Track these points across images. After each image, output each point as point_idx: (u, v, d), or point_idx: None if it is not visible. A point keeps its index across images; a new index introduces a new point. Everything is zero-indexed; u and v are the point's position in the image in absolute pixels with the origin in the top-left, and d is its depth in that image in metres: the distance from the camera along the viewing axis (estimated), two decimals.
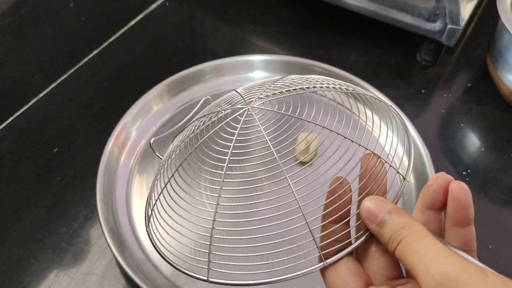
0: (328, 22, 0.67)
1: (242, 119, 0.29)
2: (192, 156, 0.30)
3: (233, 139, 0.28)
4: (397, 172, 0.28)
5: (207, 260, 0.28)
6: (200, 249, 0.28)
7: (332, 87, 0.30)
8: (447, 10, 0.55)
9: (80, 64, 0.62)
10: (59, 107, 0.57)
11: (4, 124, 0.55)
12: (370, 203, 0.25)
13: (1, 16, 0.51)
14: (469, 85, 0.60)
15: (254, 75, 0.58)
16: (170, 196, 0.30)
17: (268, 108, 0.29)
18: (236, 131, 0.28)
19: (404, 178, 0.28)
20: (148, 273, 0.42)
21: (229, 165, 0.27)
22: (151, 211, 0.31)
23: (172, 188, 0.30)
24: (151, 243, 0.31)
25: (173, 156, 0.31)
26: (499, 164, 0.52)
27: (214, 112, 0.31)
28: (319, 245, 0.26)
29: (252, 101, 0.30)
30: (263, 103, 0.30)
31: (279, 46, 0.65)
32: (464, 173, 0.52)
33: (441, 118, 0.57)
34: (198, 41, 0.67)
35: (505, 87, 0.54)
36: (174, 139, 0.33)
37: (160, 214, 0.31)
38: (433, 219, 0.26)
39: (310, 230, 0.26)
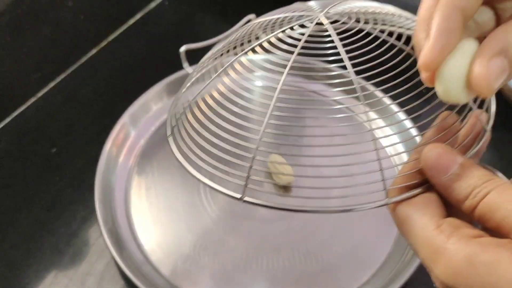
0: None
1: (312, 24, 0.24)
2: (243, 58, 0.25)
3: (299, 42, 0.23)
4: (478, 120, 0.25)
5: (246, 175, 0.23)
6: (240, 162, 0.23)
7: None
8: None
9: (78, 63, 0.61)
10: (57, 107, 0.57)
11: (2, 124, 0.55)
12: (436, 153, 0.22)
13: None
14: None
15: (254, 75, 0.58)
16: (208, 101, 0.26)
17: (344, 20, 0.24)
18: (304, 37, 0.23)
19: (485, 130, 0.25)
20: (147, 274, 0.42)
21: (290, 71, 0.23)
22: (180, 114, 0.26)
23: (210, 95, 0.26)
24: (173, 155, 0.26)
25: (214, 63, 0.26)
26: (500, 164, 0.52)
27: (273, 19, 0.26)
28: (387, 179, 0.22)
29: (324, 11, 0.25)
30: (336, 13, 0.25)
31: None
32: None
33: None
34: (198, 41, 0.67)
35: (506, 86, 0.54)
36: (212, 48, 0.28)
37: (190, 121, 0.26)
38: None
39: (379, 160, 0.22)
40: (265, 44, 0.25)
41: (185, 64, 0.30)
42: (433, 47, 0.21)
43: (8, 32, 0.52)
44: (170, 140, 0.26)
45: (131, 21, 0.67)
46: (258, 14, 0.71)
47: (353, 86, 0.23)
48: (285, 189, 0.45)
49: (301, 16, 0.25)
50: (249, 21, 0.30)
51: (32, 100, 0.57)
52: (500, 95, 0.56)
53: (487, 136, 0.25)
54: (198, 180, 0.24)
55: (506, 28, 0.20)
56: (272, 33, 0.25)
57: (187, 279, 0.43)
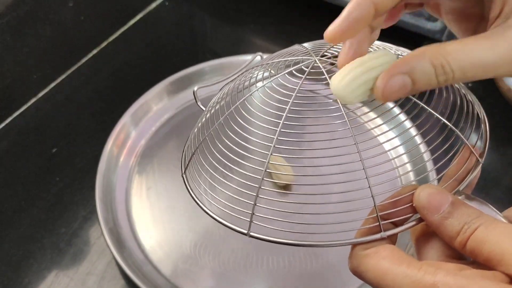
0: (329, 22, 0.67)
1: (308, 70, 0.26)
2: (246, 101, 0.27)
3: (296, 86, 0.25)
4: (472, 152, 0.26)
5: (251, 212, 0.25)
6: (244, 200, 0.25)
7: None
8: None
9: (79, 64, 0.61)
10: (58, 107, 0.57)
11: (3, 124, 0.55)
12: (429, 193, 0.23)
13: (0, 16, 0.51)
14: (469, 84, 0.60)
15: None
16: (216, 141, 0.27)
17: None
18: (300, 81, 0.25)
19: (478, 160, 0.26)
20: (148, 274, 0.42)
21: (288, 114, 0.25)
22: (192, 153, 0.28)
23: (220, 132, 0.27)
24: (187, 190, 0.28)
25: (222, 103, 0.28)
26: (500, 164, 0.52)
27: (271, 63, 0.28)
28: (377, 204, 0.24)
29: (319, 53, 0.27)
30: (331, 57, 0.27)
31: (279, 45, 0.65)
32: None
33: (437, 124, 0.57)
34: (198, 41, 0.67)
35: (505, 86, 0.54)
36: (221, 89, 0.31)
37: (201, 159, 0.28)
38: None
39: (372, 196, 0.24)
40: (267, 86, 0.27)
41: (199, 102, 0.32)
42: (338, 23, 0.24)
43: (9, 32, 0.52)
44: (184, 177, 0.28)
45: (132, 22, 0.67)
46: (257, 16, 0.71)
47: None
48: (285, 188, 0.45)
49: (299, 60, 0.27)
50: (258, 55, 0.32)
51: (33, 100, 0.57)
52: (500, 95, 0.57)
53: (479, 168, 0.26)
54: (211, 216, 0.27)
55: (422, 52, 0.22)
56: (273, 75, 0.27)
57: (188, 278, 0.43)
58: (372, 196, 0.24)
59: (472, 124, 0.27)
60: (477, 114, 0.28)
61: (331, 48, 0.28)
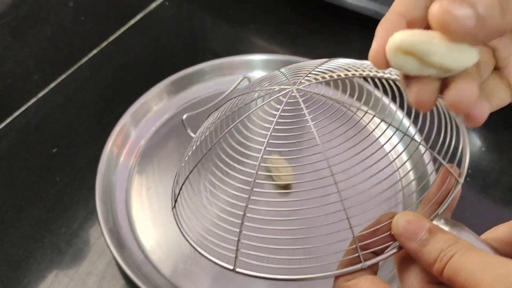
0: (329, 22, 0.67)
1: (285, 100, 0.26)
2: (228, 135, 0.27)
3: (274, 118, 0.26)
4: (451, 173, 0.26)
5: (235, 248, 0.26)
6: (229, 236, 0.26)
7: (382, 76, 0.28)
8: None
9: (79, 63, 0.61)
10: (58, 107, 0.57)
11: (3, 124, 0.55)
12: (406, 220, 0.24)
13: (0, 16, 0.51)
14: None
15: (254, 74, 0.58)
16: (201, 177, 0.28)
17: (315, 91, 0.26)
18: (278, 113, 0.26)
19: (457, 180, 0.26)
20: (148, 274, 0.42)
21: (267, 148, 0.25)
22: (180, 190, 0.29)
23: (204, 168, 0.28)
24: (177, 226, 0.29)
25: (206, 133, 0.29)
26: (500, 164, 0.52)
27: (253, 92, 0.29)
28: (356, 235, 0.24)
29: (297, 82, 0.27)
30: (309, 85, 0.27)
31: (279, 45, 0.65)
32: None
33: (441, 118, 0.57)
34: (198, 41, 0.67)
35: None
36: (208, 116, 0.31)
37: (188, 195, 0.29)
38: None
39: (351, 228, 0.24)
40: (247, 120, 0.28)
41: (188, 130, 0.32)
42: (376, 42, 0.23)
43: (9, 32, 0.52)
44: (174, 212, 0.29)
45: (132, 22, 0.67)
46: (257, 16, 0.71)
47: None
48: (285, 188, 0.45)
49: (279, 89, 0.27)
50: (244, 78, 0.33)
51: (33, 100, 0.58)
52: None
53: (459, 189, 0.26)
54: (198, 252, 0.27)
55: None
56: (250, 109, 0.28)
57: (188, 278, 0.43)
58: (350, 227, 0.24)
59: (450, 143, 0.27)
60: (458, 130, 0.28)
61: (308, 75, 0.28)
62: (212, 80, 0.57)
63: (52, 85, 0.59)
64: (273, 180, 0.41)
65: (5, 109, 0.55)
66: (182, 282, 0.43)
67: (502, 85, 0.26)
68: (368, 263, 0.24)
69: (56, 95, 0.58)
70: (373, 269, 0.25)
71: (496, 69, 0.25)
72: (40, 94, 0.58)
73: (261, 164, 0.25)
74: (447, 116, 0.28)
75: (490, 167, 0.52)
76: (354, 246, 0.25)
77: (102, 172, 0.47)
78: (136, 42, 0.65)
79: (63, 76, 0.60)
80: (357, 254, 0.24)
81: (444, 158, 0.26)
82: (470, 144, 0.55)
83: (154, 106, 0.54)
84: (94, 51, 0.63)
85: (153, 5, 0.69)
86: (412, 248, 0.23)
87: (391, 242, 0.25)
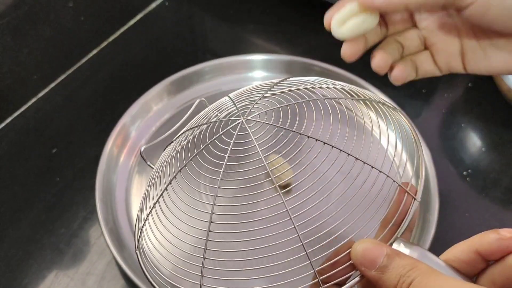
0: None
1: (235, 133, 0.27)
2: (186, 168, 0.28)
3: (226, 153, 0.26)
4: (407, 192, 0.26)
5: (200, 274, 0.27)
6: (193, 263, 0.27)
7: (333, 87, 0.29)
8: None
9: (79, 64, 0.61)
10: (58, 107, 0.57)
11: (2, 125, 0.55)
12: (364, 248, 0.24)
13: (0, 16, 0.51)
14: (469, 85, 0.60)
15: (254, 74, 0.58)
16: (162, 212, 0.29)
17: (264, 121, 0.27)
18: (229, 147, 0.26)
19: (414, 199, 0.26)
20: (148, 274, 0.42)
21: (223, 178, 0.26)
22: (140, 232, 0.30)
23: (165, 203, 0.29)
24: (140, 268, 0.30)
25: (164, 167, 0.30)
26: (500, 164, 0.52)
27: (205, 124, 0.29)
28: (317, 269, 0.25)
29: (246, 111, 0.28)
30: (258, 114, 0.27)
31: (279, 45, 0.65)
32: (464, 173, 0.51)
33: (441, 118, 0.57)
34: (198, 41, 0.67)
35: (505, 86, 0.54)
36: (165, 148, 0.32)
37: (151, 231, 0.29)
38: (473, 263, 0.24)
39: (306, 253, 0.24)
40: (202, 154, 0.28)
41: (148, 162, 0.33)
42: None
43: (9, 33, 0.52)
44: (137, 254, 0.30)
45: (132, 22, 0.67)
46: (257, 16, 0.71)
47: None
48: (285, 188, 0.45)
49: (229, 120, 0.28)
50: (201, 101, 0.33)
51: (33, 100, 0.57)
52: (500, 95, 0.57)
53: (416, 207, 0.26)
54: None
55: None
56: (203, 142, 0.28)
57: (188, 278, 0.43)
58: (310, 262, 0.24)
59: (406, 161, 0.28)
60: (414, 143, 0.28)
61: (257, 103, 0.29)
62: (212, 80, 0.57)
63: (52, 85, 0.59)
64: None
65: (5, 109, 0.55)
66: (182, 282, 0.43)
67: (431, 61, 0.33)
68: None
69: (56, 95, 0.58)
70: None
71: (426, 48, 0.34)
72: (40, 95, 0.58)
73: (218, 196, 0.26)
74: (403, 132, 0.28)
75: (490, 167, 0.52)
76: (316, 280, 0.25)
77: (102, 172, 0.47)
78: (136, 42, 0.65)
79: (62, 76, 0.60)
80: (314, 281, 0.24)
81: (400, 177, 0.26)
82: (471, 144, 0.55)
83: (154, 106, 0.54)
84: (94, 51, 0.63)
85: (153, 5, 0.69)
86: (372, 276, 0.23)
87: (352, 272, 0.25)
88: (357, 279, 0.24)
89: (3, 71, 0.53)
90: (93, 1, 0.60)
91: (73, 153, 0.53)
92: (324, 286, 0.24)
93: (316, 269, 0.24)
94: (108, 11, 0.63)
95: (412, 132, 0.28)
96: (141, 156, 0.34)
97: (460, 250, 0.25)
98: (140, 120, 0.53)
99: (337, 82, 0.30)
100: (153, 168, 0.32)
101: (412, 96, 0.59)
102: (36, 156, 0.52)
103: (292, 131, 0.26)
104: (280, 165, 0.27)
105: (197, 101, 0.35)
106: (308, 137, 0.25)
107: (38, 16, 0.55)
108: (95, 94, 0.59)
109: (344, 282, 0.25)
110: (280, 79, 0.31)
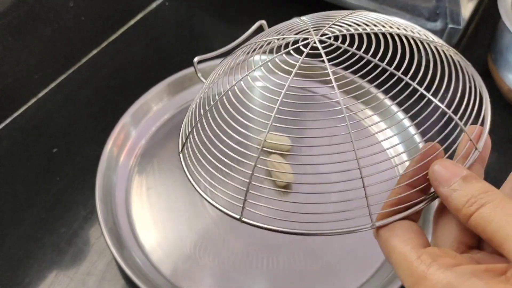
0: None
1: (306, 50, 0.25)
2: (242, 82, 0.27)
3: (292, 71, 0.25)
4: (470, 140, 0.25)
5: (243, 198, 0.25)
6: (238, 186, 0.25)
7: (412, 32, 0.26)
8: (448, 9, 0.55)
9: (79, 63, 0.61)
10: (58, 107, 0.57)
11: (3, 124, 0.55)
12: (441, 166, 0.23)
13: (0, 16, 0.51)
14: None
15: (253, 74, 0.58)
16: (212, 123, 0.27)
17: (338, 43, 0.25)
18: (298, 63, 0.25)
19: (476, 148, 0.25)
20: (148, 274, 0.42)
21: (283, 99, 0.24)
22: (189, 133, 0.28)
23: (215, 114, 0.27)
24: (183, 171, 0.28)
25: (219, 80, 0.28)
26: (500, 164, 0.52)
27: (270, 39, 0.28)
28: (371, 205, 0.24)
29: (319, 32, 0.26)
30: (332, 36, 0.26)
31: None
32: None
33: (442, 118, 0.56)
34: (198, 41, 0.67)
35: (506, 86, 0.54)
36: (221, 62, 0.30)
37: (197, 140, 0.27)
38: None
39: (364, 187, 0.24)
40: (266, 66, 0.27)
41: (199, 74, 0.32)
42: None
43: (10, 32, 0.52)
44: (181, 156, 0.28)
45: (132, 22, 0.67)
46: (257, 16, 0.71)
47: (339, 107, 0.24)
48: (285, 188, 0.45)
49: (298, 40, 0.26)
50: (260, 26, 0.32)
51: (33, 100, 0.58)
52: (500, 95, 0.57)
53: (478, 154, 0.26)
54: (205, 199, 0.27)
55: None
56: (272, 55, 0.26)
57: (188, 278, 0.43)
58: (364, 187, 0.24)
59: (473, 111, 0.27)
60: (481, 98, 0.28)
61: (332, 26, 0.27)
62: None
63: (52, 85, 0.59)
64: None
65: (5, 109, 0.55)
66: (182, 282, 0.43)
67: None
68: (378, 223, 0.24)
69: (56, 95, 0.58)
70: (418, 211, 0.25)
71: None
72: (40, 94, 0.58)
73: (276, 116, 0.24)
74: (471, 83, 0.28)
75: (490, 167, 0.52)
76: (391, 197, 0.25)
77: (102, 172, 0.47)
78: (136, 42, 0.65)
79: (63, 76, 0.60)
80: (377, 213, 0.24)
81: (465, 124, 0.26)
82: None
83: (154, 106, 0.54)
84: (95, 51, 0.63)
85: (153, 5, 0.69)
86: (444, 193, 0.23)
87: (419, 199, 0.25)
88: (420, 205, 0.24)
89: (3, 70, 0.53)
90: (94, 1, 0.60)
91: (73, 152, 0.53)
92: (373, 213, 0.24)
93: (369, 195, 0.24)
94: (108, 11, 0.63)
95: (469, 74, 0.28)
96: (194, 67, 0.32)
97: (510, 187, 0.25)
98: (140, 120, 0.53)
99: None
100: (203, 82, 0.30)
101: (412, 95, 0.58)
102: (36, 156, 0.52)
103: (373, 60, 0.25)
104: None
105: (257, 23, 0.34)
106: (390, 70, 0.24)
107: (38, 16, 0.55)
108: (95, 93, 0.59)
109: (411, 206, 0.25)
110: (354, 11, 0.29)
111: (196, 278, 0.43)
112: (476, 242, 0.24)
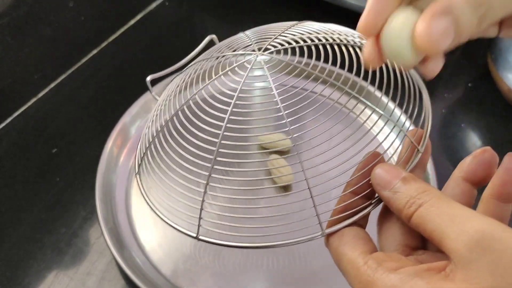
0: (328, 22, 0.67)
1: (250, 66, 0.26)
2: (191, 102, 0.27)
3: (236, 91, 0.25)
4: (412, 142, 0.26)
5: (198, 216, 0.26)
6: (192, 205, 0.26)
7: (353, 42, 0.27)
8: None
9: (79, 63, 0.61)
10: (58, 107, 0.57)
11: (3, 124, 0.55)
12: (382, 170, 0.24)
13: (0, 16, 0.51)
14: (469, 85, 0.60)
15: (254, 74, 0.58)
16: (164, 143, 0.28)
17: (280, 57, 0.26)
18: (242, 80, 0.26)
19: (418, 150, 0.26)
20: (148, 274, 0.42)
21: (230, 117, 0.25)
22: (143, 154, 0.29)
23: (167, 134, 0.28)
24: (140, 192, 0.29)
25: (170, 99, 0.29)
26: (499, 163, 0.52)
27: (217, 57, 0.29)
28: (320, 214, 0.25)
29: (262, 47, 0.27)
30: (275, 51, 0.27)
31: None
32: None
33: (441, 118, 0.57)
34: (198, 41, 0.67)
35: (506, 87, 0.54)
36: (172, 80, 0.31)
37: (151, 162, 0.28)
38: (466, 193, 0.25)
39: (312, 197, 0.25)
40: (213, 84, 0.28)
41: (153, 93, 0.32)
42: (369, 11, 0.22)
43: (9, 32, 0.52)
44: (137, 178, 0.29)
45: (132, 22, 0.67)
46: (257, 16, 0.71)
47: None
48: (285, 188, 0.45)
49: (244, 54, 0.27)
50: (211, 40, 0.33)
51: (33, 100, 0.58)
52: (500, 95, 0.57)
53: (420, 157, 0.26)
54: (161, 218, 0.28)
55: None
56: (219, 73, 0.28)
57: (188, 279, 0.43)
58: (311, 197, 0.24)
59: (413, 112, 0.28)
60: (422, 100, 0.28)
61: (274, 40, 0.28)
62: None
63: (52, 85, 0.59)
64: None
65: (5, 109, 0.55)
66: (182, 282, 0.43)
67: None
68: (327, 231, 0.25)
69: (56, 95, 0.58)
70: (362, 223, 0.26)
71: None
72: (40, 94, 0.58)
73: (224, 133, 0.25)
74: (410, 86, 0.28)
75: None
76: (336, 207, 0.25)
77: (102, 172, 0.47)
78: (136, 42, 0.65)
79: (63, 76, 0.60)
80: (317, 223, 0.25)
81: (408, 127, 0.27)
82: (471, 144, 0.55)
83: (154, 106, 0.54)
84: (94, 51, 0.63)
85: (153, 5, 0.69)
86: (386, 196, 0.24)
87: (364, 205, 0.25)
88: (366, 210, 0.25)
89: (3, 70, 0.53)
90: (93, 1, 0.60)
91: (73, 153, 0.53)
92: (323, 221, 0.25)
93: (317, 204, 0.25)
94: (108, 11, 0.63)
95: (412, 80, 0.28)
96: (147, 85, 0.33)
97: (451, 187, 0.26)
98: (140, 120, 0.53)
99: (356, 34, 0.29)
100: (157, 100, 0.31)
101: (412, 95, 0.58)
102: (36, 156, 0.52)
103: (312, 71, 0.25)
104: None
105: (208, 37, 0.34)
106: (331, 80, 0.25)
107: (38, 16, 0.55)
108: (95, 94, 0.59)
109: (359, 211, 0.25)
110: (298, 21, 0.30)
111: (196, 278, 0.43)
112: (420, 243, 0.25)
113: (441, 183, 0.46)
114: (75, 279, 0.44)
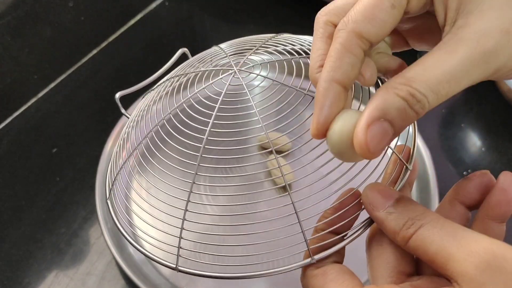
0: None
1: (227, 83, 0.25)
2: (165, 122, 0.25)
3: (214, 110, 0.24)
4: (400, 159, 0.25)
5: (177, 246, 0.25)
6: (171, 234, 0.25)
7: None
8: None
9: (79, 64, 0.61)
10: (58, 107, 0.57)
11: (3, 124, 0.55)
12: (374, 190, 0.23)
13: (0, 16, 0.51)
14: None
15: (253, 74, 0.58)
16: (137, 166, 0.26)
17: (259, 74, 0.25)
18: (220, 98, 0.24)
19: (407, 167, 0.25)
20: (148, 274, 0.42)
21: (209, 137, 0.24)
22: (114, 178, 0.27)
23: (140, 155, 0.26)
24: (112, 217, 0.27)
25: (140, 117, 0.27)
26: (500, 164, 0.52)
27: (190, 73, 0.27)
28: (309, 239, 0.24)
29: (239, 62, 0.26)
30: (253, 66, 0.26)
31: None
32: (464, 173, 0.51)
33: (441, 118, 0.57)
34: (198, 41, 0.67)
35: (506, 87, 0.54)
36: (144, 96, 0.31)
37: (123, 186, 0.27)
38: (460, 215, 0.24)
39: (299, 222, 0.23)
40: (190, 101, 0.26)
41: (122, 110, 0.30)
42: (317, 119, 0.22)
43: (9, 32, 0.52)
44: (109, 204, 0.27)
45: (132, 22, 0.67)
46: (257, 16, 0.71)
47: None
48: (285, 189, 0.45)
49: (220, 70, 0.26)
50: (183, 53, 0.31)
51: (33, 100, 0.58)
52: (500, 95, 0.57)
53: (409, 174, 0.25)
54: (137, 249, 0.26)
55: (385, 89, 0.21)
56: (196, 88, 0.26)
57: (187, 278, 0.43)
58: (299, 222, 0.24)
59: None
60: None
61: (250, 56, 0.27)
62: (212, 80, 0.57)
63: (52, 85, 0.59)
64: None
65: (5, 109, 0.55)
66: (182, 282, 0.43)
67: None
68: (317, 257, 0.24)
69: (56, 95, 0.58)
70: (340, 252, 0.25)
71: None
72: (40, 94, 0.58)
73: (203, 155, 0.24)
74: None
75: (490, 167, 0.52)
76: (314, 236, 0.24)
77: (102, 172, 0.47)
78: (136, 42, 0.65)
79: (63, 76, 0.60)
80: (315, 245, 0.24)
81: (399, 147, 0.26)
82: (470, 144, 0.55)
83: (154, 107, 0.54)
84: (94, 51, 0.63)
85: (153, 5, 0.69)
86: (379, 217, 0.23)
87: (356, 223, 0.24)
88: (355, 235, 0.24)
89: (3, 70, 0.53)
90: (93, 1, 0.60)
91: (73, 152, 0.53)
92: (311, 246, 0.24)
93: (304, 229, 0.24)
94: (108, 11, 0.63)
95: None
96: (117, 102, 0.32)
97: (446, 208, 0.25)
98: (140, 120, 0.53)
99: None
100: (128, 117, 0.29)
101: None
102: (36, 156, 0.52)
103: (292, 87, 0.24)
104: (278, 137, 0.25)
105: (180, 50, 0.33)
106: (305, 94, 0.24)
107: (38, 16, 0.55)
108: (95, 93, 0.59)
109: (335, 243, 0.24)
110: (273, 35, 0.28)
111: (196, 278, 0.43)
112: (413, 268, 0.23)
113: (441, 183, 0.46)
114: (75, 279, 0.44)
